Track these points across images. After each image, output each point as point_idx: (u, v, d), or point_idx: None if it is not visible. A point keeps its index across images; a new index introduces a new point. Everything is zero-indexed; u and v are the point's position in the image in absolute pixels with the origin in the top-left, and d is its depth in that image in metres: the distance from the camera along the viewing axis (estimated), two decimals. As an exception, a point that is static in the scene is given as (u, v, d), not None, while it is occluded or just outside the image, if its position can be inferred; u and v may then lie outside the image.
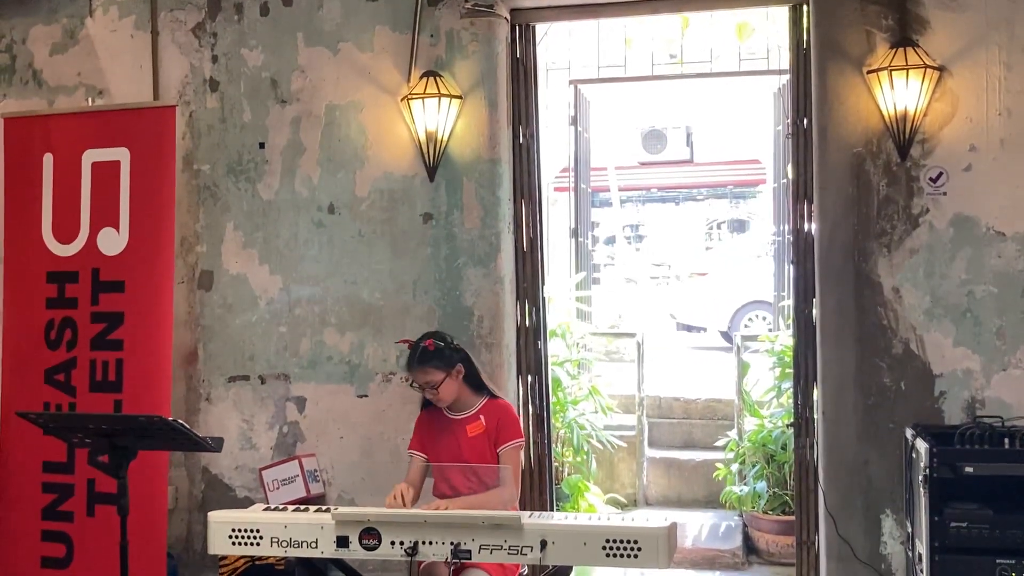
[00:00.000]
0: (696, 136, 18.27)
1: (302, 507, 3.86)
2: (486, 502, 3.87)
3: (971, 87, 4.68)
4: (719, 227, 22.80)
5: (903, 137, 4.67)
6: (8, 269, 5.21)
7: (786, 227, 6.79)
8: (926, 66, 4.60)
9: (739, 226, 22.41)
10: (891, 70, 4.60)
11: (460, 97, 5.12)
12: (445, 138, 5.11)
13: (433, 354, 4.07)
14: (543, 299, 5.37)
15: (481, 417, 4.14)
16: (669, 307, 14.43)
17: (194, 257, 5.47)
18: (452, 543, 3.48)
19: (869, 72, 4.71)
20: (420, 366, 4.05)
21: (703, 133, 18.17)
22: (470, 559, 3.50)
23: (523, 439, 4.22)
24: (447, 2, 5.15)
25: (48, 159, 5.15)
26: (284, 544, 3.63)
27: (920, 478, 4.21)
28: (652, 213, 23.09)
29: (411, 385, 4.16)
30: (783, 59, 6.73)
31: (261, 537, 3.66)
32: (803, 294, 5.00)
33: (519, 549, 3.46)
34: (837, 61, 4.78)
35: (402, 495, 3.91)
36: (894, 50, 4.64)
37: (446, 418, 4.17)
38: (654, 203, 22.81)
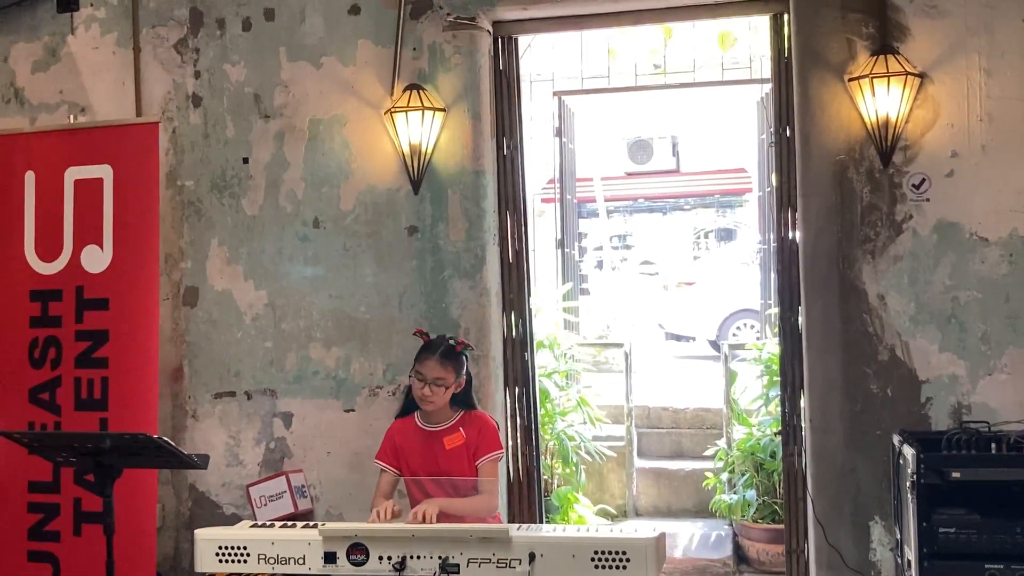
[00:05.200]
0: (682, 146, 18.31)
1: (290, 523, 3.84)
2: (467, 504, 3.86)
3: (952, 93, 4.69)
4: (706, 236, 22.85)
5: (885, 144, 4.68)
6: (-9, 288, 5.19)
7: (772, 235, 6.81)
8: (907, 73, 4.62)
9: (726, 235, 22.47)
10: (872, 77, 4.62)
11: (443, 110, 5.12)
12: (429, 151, 5.11)
13: (457, 355, 4.08)
14: (530, 310, 5.37)
15: (461, 429, 4.10)
16: (657, 317, 14.43)
17: (179, 273, 5.45)
18: (440, 557, 3.47)
19: (851, 80, 4.72)
20: (442, 360, 4.02)
21: (689, 143, 18.22)
22: (458, 573, 3.48)
23: (503, 450, 4.18)
24: (429, 15, 5.16)
25: (30, 177, 5.13)
26: (271, 561, 3.61)
27: (908, 484, 4.21)
28: (639, 223, 23.14)
29: (411, 375, 4.10)
30: (765, 68, 6.76)
31: (248, 554, 3.63)
32: (788, 302, 5.00)
33: (508, 562, 3.44)
34: (819, 69, 4.79)
35: (390, 512, 3.87)
36: (875, 58, 4.65)
37: (421, 430, 4.13)
38: (641, 213, 22.86)
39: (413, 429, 4.15)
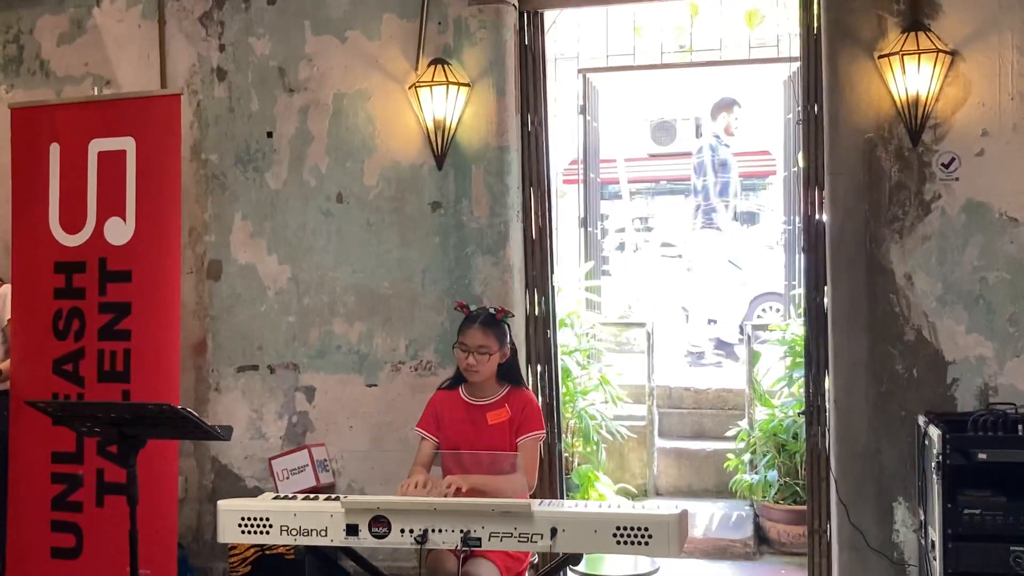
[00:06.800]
0: (706, 128, 18.18)
1: (312, 496, 3.84)
2: (501, 483, 3.85)
3: (984, 71, 4.63)
4: (729, 219, 22.68)
5: (915, 122, 4.63)
6: (17, 259, 5.20)
7: (796, 217, 6.76)
8: (938, 50, 4.56)
9: (749, 218, 22.32)
10: (903, 55, 4.56)
11: (468, 85, 5.09)
12: (453, 126, 5.09)
13: (498, 323, 4.12)
14: (552, 288, 5.34)
15: (506, 405, 4.11)
16: (681, 299, 14.34)
17: (203, 247, 5.45)
18: (462, 531, 3.46)
19: (880, 57, 4.66)
20: (483, 328, 4.07)
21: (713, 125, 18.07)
22: (480, 547, 3.47)
23: (544, 432, 4.17)
24: (455, -11, 5.13)
25: (55, 149, 5.14)
26: (294, 532, 3.61)
27: (933, 465, 4.17)
28: (661, 205, 23.02)
29: (454, 347, 4.12)
30: (793, 47, 6.69)
31: (271, 526, 3.63)
32: (814, 282, 4.96)
33: (529, 537, 3.43)
34: (848, 46, 4.74)
35: (420, 486, 3.87)
36: (905, 35, 4.59)
37: (465, 402, 4.14)
38: (663, 195, 22.74)
39: (457, 401, 4.16)
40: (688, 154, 18.37)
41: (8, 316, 5.16)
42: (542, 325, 5.27)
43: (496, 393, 4.13)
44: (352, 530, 3.55)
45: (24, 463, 5.09)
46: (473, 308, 4.23)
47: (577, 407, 6.56)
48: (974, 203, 4.64)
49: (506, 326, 4.16)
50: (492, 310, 4.16)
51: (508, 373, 4.18)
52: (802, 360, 5.26)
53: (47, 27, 5.65)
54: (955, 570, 4.06)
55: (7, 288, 5.20)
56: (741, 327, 10.22)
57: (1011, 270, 4.62)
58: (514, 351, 4.21)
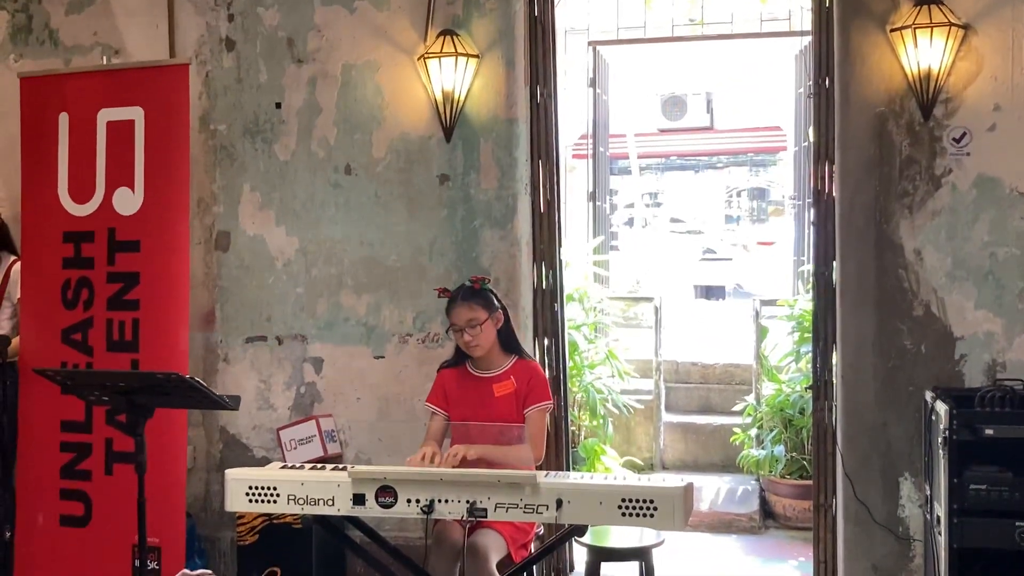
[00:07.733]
0: (716, 102, 18.13)
1: (319, 466, 3.85)
2: (506, 453, 3.86)
3: (996, 46, 4.59)
4: (739, 195, 22.70)
5: (926, 97, 4.60)
6: (25, 229, 5.21)
7: (806, 191, 6.74)
8: (950, 24, 4.52)
9: (759, 194, 22.32)
10: (915, 28, 4.53)
11: (477, 56, 5.07)
12: (462, 98, 5.06)
13: (479, 292, 4.12)
14: (560, 262, 5.33)
15: (512, 377, 4.12)
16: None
17: (211, 218, 5.46)
18: (468, 501, 3.47)
19: (893, 31, 4.63)
20: (465, 302, 4.07)
21: (723, 99, 18.04)
22: (486, 517, 3.48)
23: (551, 402, 4.19)
24: (464, -41, 5.10)
25: (64, 118, 5.13)
26: (301, 502, 3.62)
27: (939, 440, 4.17)
28: (671, 181, 23.00)
29: (448, 331, 4.14)
30: (805, 21, 6.66)
31: (278, 495, 3.64)
32: (823, 256, 4.94)
33: (535, 508, 3.44)
34: (860, 19, 4.70)
35: (428, 459, 3.88)
36: (918, 8, 4.55)
37: (472, 376, 4.16)
38: (673, 171, 22.72)
39: (464, 375, 4.18)
40: (698, 129, 18.38)
41: (19, 294, 5.17)
42: (549, 299, 5.26)
43: (502, 365, 4.15)
44: (359, 500, 3.55)
45: (33, 432, 5.11)
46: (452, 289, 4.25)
47: (584, 381, 6.58)
48: (985, 178, 4.62)
49: (489, 292, 4.16)
50: (468, 283, 4.18)
51: (508, 340, 4.19)
52: (810, 335, 5.24)
53: (56, -4, 5.64)
54: (960, 545, 4.06)
55: (19, 265, 5.21)
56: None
57: (1021, 246, 4.60)
58: (506, 315, 4.21)
